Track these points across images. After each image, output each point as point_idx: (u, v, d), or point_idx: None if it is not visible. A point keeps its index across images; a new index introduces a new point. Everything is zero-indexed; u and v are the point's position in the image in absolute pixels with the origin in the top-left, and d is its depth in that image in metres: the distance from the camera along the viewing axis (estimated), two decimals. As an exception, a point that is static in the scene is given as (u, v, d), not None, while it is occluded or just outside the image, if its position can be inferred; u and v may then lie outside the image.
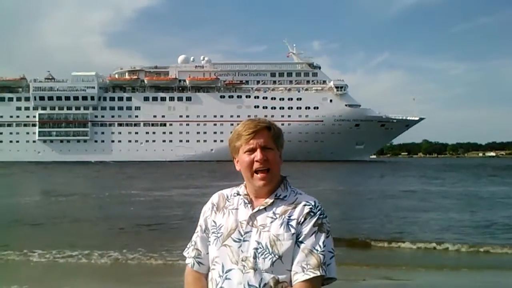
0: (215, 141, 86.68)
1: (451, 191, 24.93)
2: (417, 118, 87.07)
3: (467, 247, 10.22)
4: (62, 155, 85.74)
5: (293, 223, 1.80)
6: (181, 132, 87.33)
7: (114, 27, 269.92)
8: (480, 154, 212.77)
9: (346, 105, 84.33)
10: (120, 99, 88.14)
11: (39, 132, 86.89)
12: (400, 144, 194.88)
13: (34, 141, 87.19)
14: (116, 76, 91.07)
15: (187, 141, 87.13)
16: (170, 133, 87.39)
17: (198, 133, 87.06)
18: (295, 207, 1.83)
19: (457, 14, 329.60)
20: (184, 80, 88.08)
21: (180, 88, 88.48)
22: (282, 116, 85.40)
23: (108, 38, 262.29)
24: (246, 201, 1.88)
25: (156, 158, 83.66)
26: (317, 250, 1.77)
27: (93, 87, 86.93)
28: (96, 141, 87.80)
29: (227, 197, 1.95)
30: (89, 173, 47.60)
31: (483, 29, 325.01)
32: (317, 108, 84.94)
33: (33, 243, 10.05)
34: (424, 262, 9.19)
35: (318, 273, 1.74)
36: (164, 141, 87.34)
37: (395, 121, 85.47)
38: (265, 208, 1.84)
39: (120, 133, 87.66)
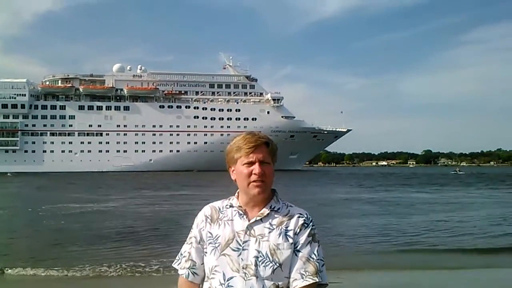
0: (153, 151, 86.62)
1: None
2: (345, 130, 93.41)
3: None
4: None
5: (291, 233, 1.94)
6: (118, 142, 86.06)
7: (11, 31, 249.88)
8: (374, 163, 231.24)
9: (282, 117, 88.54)
10: (53, 107, 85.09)
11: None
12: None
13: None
14: (48, 83, 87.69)
15: (125, 151, 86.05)
16: (107, 143, 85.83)
17: (136, 143, 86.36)
18: (290, 219, 1.97)
19: (357, 30, 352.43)
20: (122, 89, 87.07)
21: (118, 97, 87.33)
22: (222, 126, 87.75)
23: (4, 43, 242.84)
24: (240, 212, 1.99)
25: (92, 168, 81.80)
26: (313, 258, 1.93)
27: (24, 95, 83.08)
28: (26, 151, 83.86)
29: (219, 209, 2.05)
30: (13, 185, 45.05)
31: (381, 46, 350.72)
32: (255, 119, 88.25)
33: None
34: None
35: (317, 279, 1.90)
36: (100, 151, 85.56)
37: (326, 132, 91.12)
38: (261, 219, 1.96)
39: (52, 142, 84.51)
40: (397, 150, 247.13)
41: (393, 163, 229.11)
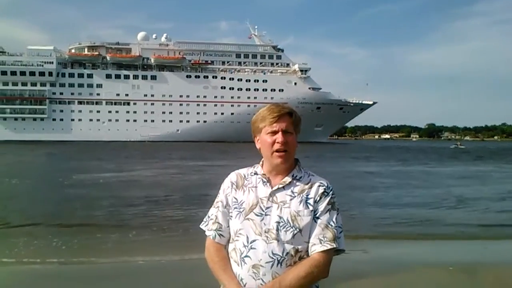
0: (181, 121, 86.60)
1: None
2: (371, 102, 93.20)
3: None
4: (17, 133, 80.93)
5: (311, 201, 2.04)
6: (145, 112, 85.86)
7: None
8: (376, 137, 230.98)
9: (309, 88, 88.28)
10: (81, 75, 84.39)
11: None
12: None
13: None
14: (73, 51, 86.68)
15: (152, 121, 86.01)
16: (134, 112, 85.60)
17: (163, 112, 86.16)
18: (311, 187, 2.07)
19: (360, 1, 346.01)
20: (148, 58, 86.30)
21: (144, 66, 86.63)
22: (248, 97, 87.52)
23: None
24: (264, 180, 2.10)
25: (120, 138, 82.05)
26: (331, 225, 2.03)
27: (52, 62, 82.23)
28: (54, 120, 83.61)
29: (245, 176, 2.16)
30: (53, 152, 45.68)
31: (385, 15, 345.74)
32: (282, 90, 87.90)
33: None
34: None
35: (334, 245, 2.00)
36: (128, 120, 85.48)
37: (352, 104, 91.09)
38: (283, 187, 2.06)
39: (80, 111, 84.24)
40: (400, 123, 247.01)
41: (396, 137, 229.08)
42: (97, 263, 7.20)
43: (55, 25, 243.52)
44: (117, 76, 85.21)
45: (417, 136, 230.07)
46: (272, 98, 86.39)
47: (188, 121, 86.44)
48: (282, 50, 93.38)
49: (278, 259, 1.98)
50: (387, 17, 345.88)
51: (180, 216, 11.46)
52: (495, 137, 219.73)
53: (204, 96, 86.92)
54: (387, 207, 13.41)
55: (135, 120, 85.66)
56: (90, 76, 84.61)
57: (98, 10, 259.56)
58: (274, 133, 2.05)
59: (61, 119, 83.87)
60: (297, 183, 2.08)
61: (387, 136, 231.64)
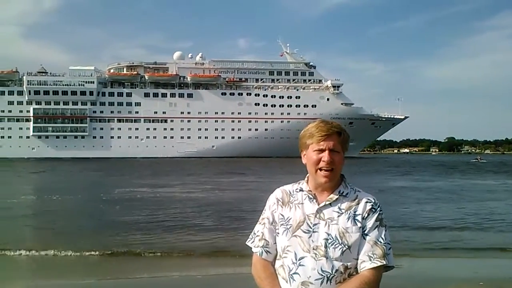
0: (216, 137, 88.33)
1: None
2: (402, 117, 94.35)
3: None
4: (58, 151, 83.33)
5: (359, 217, 2.05)
6: (182, 129, 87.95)
7: (32, 18, 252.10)
8: (395, 151, 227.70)
9: (342, 104, 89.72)
10: (120, 94, 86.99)
11: (33, 127, 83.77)
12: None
13: (28, 137, 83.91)
14: (112, 71, 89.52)
15: (188, 137, 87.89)
16: (171, 129, 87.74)
17: (199, 129, 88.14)
18: (358, 203, 2.07)
19: (374, 17, 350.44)
20: (185, 77, 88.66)
21: (181, 85, 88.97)
22: (282, 114, 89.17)
23: (27, 29, 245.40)
24: (310, 196, 2.10)
25: (157, 154, 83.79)
26: (380, 242, 2.03)
27: (93, 82, 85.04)
28: (94, 137, 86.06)
29: (290, 192, 2.16)
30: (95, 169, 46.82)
31: (399, 32, 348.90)
32: (315, 106, 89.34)
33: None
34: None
35: (384, 262, 2.01)
36: (165, 137, 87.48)
37: (384, 119, 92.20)
38: (330, 204, 2.06)
39: (119, 129, 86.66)
40: (419, 137, 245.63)
41: (415, 151, 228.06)
42: (136, 278, 7.71)
43: (78, 45, 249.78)
44: (155, 95, 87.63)
45: (437, 150, 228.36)
46: (305, 114, 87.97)
47: (223, 137, 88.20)
48: (314, 67, 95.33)
49: (328, 276, 1.99)
50: (400, 34, 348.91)
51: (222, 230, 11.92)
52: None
53: (239, 113, 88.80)
54: (421, 223, 13.63)
55: (172, 137, 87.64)
56: (129, 95, 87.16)
57: (119, 31, 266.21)
58: (321, 151, 2.06)
59: (101, 137, 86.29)
60: (344, 200, 2.09)
61: (406, 150, 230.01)
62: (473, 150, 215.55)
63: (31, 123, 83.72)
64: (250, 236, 2.23)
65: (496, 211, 16.01)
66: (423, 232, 11.94)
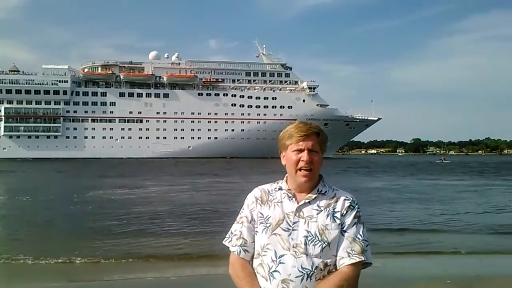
0: (192, 138, 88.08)
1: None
2: (376, 118, 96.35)
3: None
4: (30, 151, 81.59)
5: (338, 215, 2.08)
6: (158, 129, 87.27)
7: None
8: (363, 152, 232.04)
9: (317, 105, 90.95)
10: (94, 94, 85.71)
11: (4, 127, 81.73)
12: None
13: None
14: (87, 70, 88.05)
15: (164, 138, 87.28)
16: (147, 129, 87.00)
17: (175, 130, 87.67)
18: (336, 201, 2.11)
19: (347, 19, 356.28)
20: (161, 77, 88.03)
21: (157, 85, 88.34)
22: (258, 114, 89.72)
23: None
24: (290, 195, 2.12)
25: (132, 155, 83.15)
26: (359, 239, 2.07)
27: (66, 81, 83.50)
28: (68, 137, 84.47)
29: (269, 191, 2.19)
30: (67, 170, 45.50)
31: (371, 34, 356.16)
32: (291, 107, 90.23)
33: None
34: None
35: (362, 258, 2.05)
36: (140, 137, 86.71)
37: (358, 120, 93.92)
38: (309, 202, 2.09)
39: (94, 129, 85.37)
40: (386, 138, 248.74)
41: (382, 151, 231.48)
42: (108, 281, 7.61)
43: (45, 44, 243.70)
44: (130, 94, 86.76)
45: (403, 151, 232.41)
46: (281, 115, 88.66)
47: (199, 138, 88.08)
48: (291, 68, 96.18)
49: (308, 273, 2.02)
50: (372, 36, 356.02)
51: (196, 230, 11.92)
52: (479, 151, 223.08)
53: (215, 113, 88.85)
54: (391, 221, 13.99)
55: (147, 137, 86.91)
56: (103, 94, 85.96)
57: (88, 30, 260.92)
58: (300, 151, 2.09)
59: (75, 137, 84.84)
60: (323, 198, 2.13)
61: (373, 151, 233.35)
62: (438, 151, 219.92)
63: (2, 122, 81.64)
64: (227, 236, 2.24)
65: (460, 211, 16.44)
66: (393, 232, 12.08)
